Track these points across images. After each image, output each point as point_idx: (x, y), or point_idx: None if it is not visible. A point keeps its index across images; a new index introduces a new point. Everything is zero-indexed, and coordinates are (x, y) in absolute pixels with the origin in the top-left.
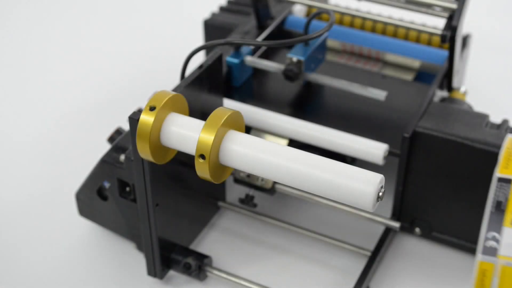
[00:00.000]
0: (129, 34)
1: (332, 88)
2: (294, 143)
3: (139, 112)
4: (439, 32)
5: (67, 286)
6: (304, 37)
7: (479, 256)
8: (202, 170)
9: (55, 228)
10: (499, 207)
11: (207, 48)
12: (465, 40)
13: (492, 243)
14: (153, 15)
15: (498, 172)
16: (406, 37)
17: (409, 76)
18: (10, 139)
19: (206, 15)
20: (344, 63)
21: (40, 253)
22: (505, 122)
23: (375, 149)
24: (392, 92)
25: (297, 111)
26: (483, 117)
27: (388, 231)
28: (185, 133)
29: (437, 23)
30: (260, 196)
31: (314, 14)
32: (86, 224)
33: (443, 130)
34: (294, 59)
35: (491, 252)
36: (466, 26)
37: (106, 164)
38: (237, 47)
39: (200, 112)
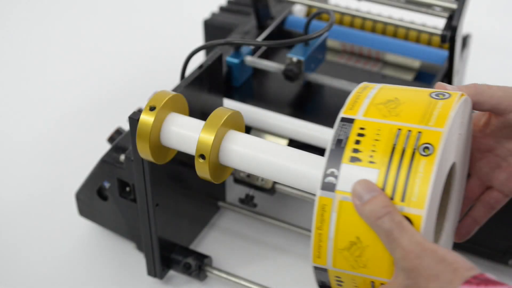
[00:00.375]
0: (129, 34)
1: (332, 88)
2: (294, 143)
3: (139, 112)
4: (439, 32)
5: (67, 286)
6: (304, 37)
7: (318, 192)
8: (202, 170)
9: (55, 228)
10: (339, 145)
11: (207, 48)
12: (465, 40)
13: (331, 179)
14: (153, 15)
15: (343, 113)
16: (406, 37)
17: (409, 76)
18: (10, 139)
19: (206, 15)
20: (344, 63)
21: (40, 253)
22: None
23: None
24: None
25: (297, 111)
26: None
27: None
28: (185, 133)
29: (437, 23)
30: (260, 196)
31: (314, 14)
32: (86, 224)
33: None
34: (294, 59)
35: (330, 187)
36: (466, 26)
37: (106, 164)
38: (237, 47)
39: (200, 112)
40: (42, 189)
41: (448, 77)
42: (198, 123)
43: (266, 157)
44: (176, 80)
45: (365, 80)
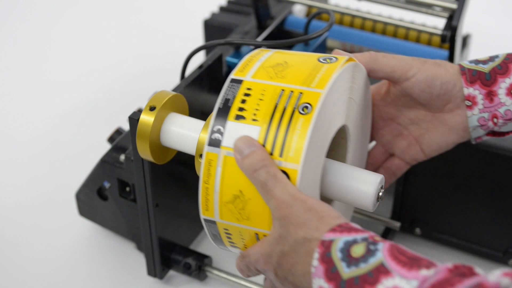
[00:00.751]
0: (129, 34)
1: None
2: None
3: (139, 112)
4: (439, 32)
5: (67, 286)
6: (304, 37)
7: (206, 147)
8: None
9: (55, 228)
10: (226, 104)
11: (207, 48)
12: (465, 40)
13: (217, 136)
14: (153, 15)
15: (233, 75)
16: (406, 37)
17: None
18: (10, 139)
19: (206, 15)
20: None
21: (40, 253)
22: None
23: None
24: None
25: None
26: None
27: (388, 231)
28: (185, 133)
29: (437, 23)
30: None
31: (314, 14)
32: (86, 224)
33: None
34: None
35: (216, 143)
36: (466, 26)
37: (106, 164)
38: (237, 47)
39: (200, 112)
40: (42, 189)
41: None
42: (198, 123)
43: None
44: (176, 80)
45: None
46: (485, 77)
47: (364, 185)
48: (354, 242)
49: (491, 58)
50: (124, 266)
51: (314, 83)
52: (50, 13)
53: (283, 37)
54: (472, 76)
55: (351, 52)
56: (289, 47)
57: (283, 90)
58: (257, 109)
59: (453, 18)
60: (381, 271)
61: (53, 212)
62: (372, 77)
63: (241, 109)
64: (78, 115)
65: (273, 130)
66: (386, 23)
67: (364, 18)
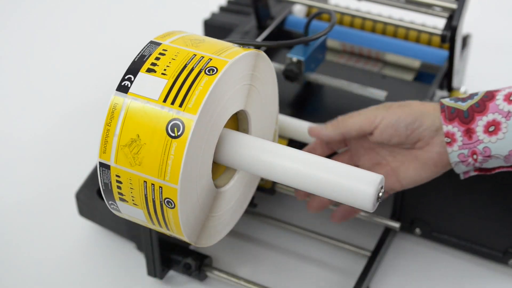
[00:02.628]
0: (129, 34)
1: (332, 88)
2: (294, 143)
3: None
4: (439, 32)
5: (67, 286)
6: (305, 38)
7: (114, 92)
8: None
9: (55, 228)
10: (142, 59)
11: None
12: (465, 40)
13: (126, 83)
14: (154, 15)
15: (154, 39)
16: (406, 37)
17: (409, 76)
18: (10, 139)
19: (206, 15)
20: (344, 63)
21: (40, 253)
22: None
23: None
24: (392, 92)
25: (297, 111)
26: None
27: (388, 231)
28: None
29: (437, 23)
30: (260, 196)
31: (314, 14)
32: (86, 224)
33: None
34: (294, 59)
35: (124, 90)
36: (466, 26)
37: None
38: None
39: None
40: (42, 189)
41: (448, 77)
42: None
43: (266, 158)
44: None
45: (365, 80)
46: (463, 114)
47: (364, 185)
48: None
49: (471, 96)
50: (124, 266)
51: (224, 54)
52: (52, 13)
53: (283, 37)
54: (451, 113)
55: (351, 52)
56: (289, 47)
57: (194, 55)
58: (168, 66)
59: (453, 18)
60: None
61: (53, 212)
62: (349, 139)
63: (153, 64)
64: (79, 115)
65: (178, 84)
66: (386, 23)
67: (364, 18)
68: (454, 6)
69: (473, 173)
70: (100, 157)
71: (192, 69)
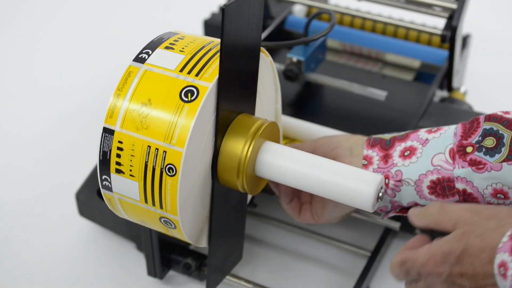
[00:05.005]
0: (130, 33)
1: (332, 88)
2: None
3: None
4: (439, 32)
5: (67, 286)
6: (305, 39)
7: (131, 62)
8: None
9: (55, 228)
10: (160, 40)
11: None
12: (465, 40)
13: (143, 56)
14: (154, 15)
15: (104, 122)
16: (406, 37)
17: (409, 76)
18: (10, 139)
19: (206, 15)
20: (344, 63)
21: (40, 253)
22: None
23: None
24: (392, 92)
25: (297, 111)
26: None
27: (388, 231)
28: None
29: (437, 23)
30: (260, 196)
31: (314, 15)
32: (86, 224)
33: None
34: (294, 59)
35: (141, 60)
36: (466, 26)
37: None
38: None
39: None
40: (42, 189)
41: (448, 77)
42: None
43: (265, 157)
44: None
45: (365, 80)
46: (385, 143)
47: (364, 185)
48: None
49: (398, 133)
50: (124, 266)
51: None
52: (53, 13)
53: (283, 37)
54: (375, 141)
55: (351, 52)
56: (289, 47)
57: (212, 41)
58: (186, 46)
59: (453, 18)
60: None
61: (53, 212)
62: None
63: (172, 44)
64: (79, 115)
65: (196, 59)
66: (386, 23)
67: (364, 18)
68: (454, 6)
69: (392, 214)
70: (105, 122)
71: (209, 50)
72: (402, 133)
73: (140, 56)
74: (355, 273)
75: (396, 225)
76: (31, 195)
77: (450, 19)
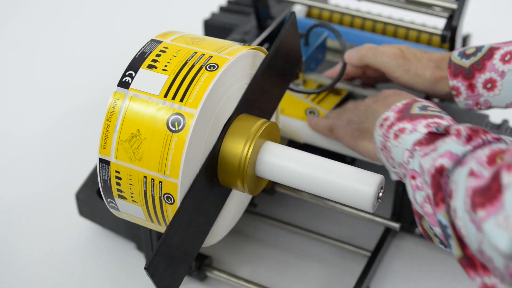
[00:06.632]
0: (130, 33)
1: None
2: (294, 143)
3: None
4: (439, 32)
5: (67, 286)
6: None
7: (115, 88)
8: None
9: (55, 228)
10: (142, 56)
11: None
12: (465, 40)
13: (127, 79)
14: (154, 15)
15: (154, 37)
16: (406, 37)
17: None
18: (10, 139)
19: (206, 15)
20: None
21: (40, 252)
22: (505, 122)
23: None
24: None
25: None
26: (483, 117)
27: (388, 231)
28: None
29: (437, 23)
30: (260, 196)
31: (312, 26)
32: (86, 224)
33: None
34: None
35: (125, 85)
36: (466, 26)
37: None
38: None
39: None
40: (42, 189)
41: None
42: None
43: (265, 158)
44: None
45: None
46: (466, 71)
47: (364, 186)
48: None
49: (475, 52)
50: (124, 266)
51: (225, 52)
52: (54, 13)
53: None
54: (456, 70)
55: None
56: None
57: (195, 52)
58: (168, 62)
59: (453, 18)
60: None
61: (53, 212)
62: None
63: (154, 60)
64: (79, 115)
65: (179, 79)
66: (386, 23)
67: (364, 18)
68: (454, 6)
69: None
70: (100, 153)
71: (193, 66)
72: (479, 55)
73: (124, 80)
74: (355, 273)
75: (396, 225)
76: (31, 195)
77: (450, 19)
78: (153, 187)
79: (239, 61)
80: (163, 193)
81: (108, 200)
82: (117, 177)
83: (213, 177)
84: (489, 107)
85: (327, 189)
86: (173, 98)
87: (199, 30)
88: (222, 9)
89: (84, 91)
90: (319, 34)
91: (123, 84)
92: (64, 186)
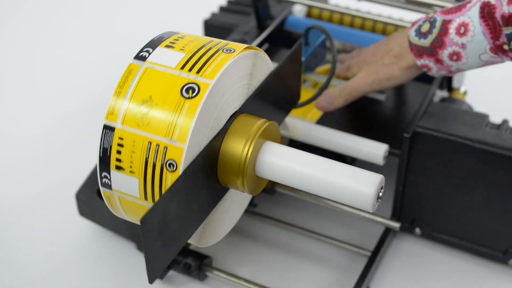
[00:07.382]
0: (130, 33)
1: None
2: (294, 143)
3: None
4: None
5: (67, 286)
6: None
7: (131, 60)
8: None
9: (55, 228)
10: (160, 39)
11: None
12: None
13: (144, 54)
14: (154, 15)
15: (105, 118)
16: None
17: None
18: (10, 138)
19: (206, 15)
20: None
21: (40, 253)
22: (505, 122)
23: (375, 149)
24: (391, 92)
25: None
26: (483, 117)
27: (388, 231)
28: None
29: None
30: (260, 196)
31: (309, 28)
32: (86, 224)
33: (443, 130)
34: None
35: (142, 58)
36: None
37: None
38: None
39: None
40: (42, 188)
41: (448, 77)
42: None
43: (263, 157)
44: None
45: None
46: (428, 50)
47: (364, 186)
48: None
49: (430, 29)
50: (124, 266)
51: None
52: (54, 13)
53: (283, 37)
54: (418, 51)
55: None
56: (289, 47)
57: (212, 40)
58: (186, 45)
59: None
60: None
61: (53, 212)
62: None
63: (172, 42)
64: (79, 115)
65: (196, 57)
66: (386, 23)
67: (364, 18)
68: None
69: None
70: (106, 119)
71: (210, 48)
72: (435, 33)
73: (140, 54)
74: (355, 273)
75: (396, 225)
76: (31, 195)
77: None
78: (157, 153)
79: (247, 55)
80: (166, 160)
81: (103, 174)
82: (119, 144)
83: (213, 167)
84: (464, 70)
85: (327, 189)
86: (190, 70)
87: (199, 30)
88: (222, 9)
89: (84, 91)
90: (319, 34)
91: (140, 57)
92: (64, 186)
